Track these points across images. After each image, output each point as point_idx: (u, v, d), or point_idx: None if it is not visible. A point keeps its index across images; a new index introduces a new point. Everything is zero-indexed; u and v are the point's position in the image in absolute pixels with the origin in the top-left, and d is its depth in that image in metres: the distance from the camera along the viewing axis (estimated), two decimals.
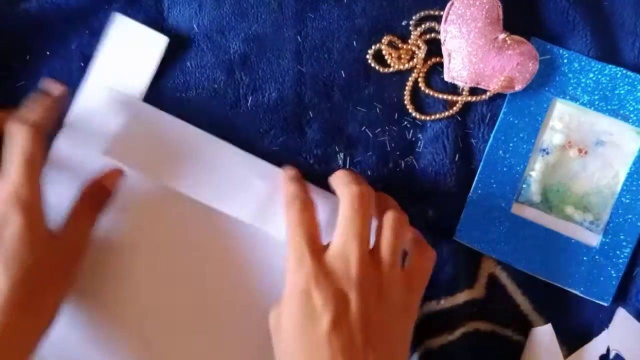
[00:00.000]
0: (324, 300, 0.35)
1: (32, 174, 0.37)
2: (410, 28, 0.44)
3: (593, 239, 0.45)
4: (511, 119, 0.44)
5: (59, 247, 0.39)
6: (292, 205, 0.39)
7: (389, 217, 0.39)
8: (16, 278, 0.36)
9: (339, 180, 0.40)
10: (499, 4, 0.43)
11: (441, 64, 0.44)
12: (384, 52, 0.44)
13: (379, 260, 0.38)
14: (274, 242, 0.43)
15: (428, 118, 0.45)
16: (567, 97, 0.44)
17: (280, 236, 0.41)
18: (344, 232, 0.37)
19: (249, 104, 0.45)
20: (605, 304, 0.45)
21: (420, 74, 0.45)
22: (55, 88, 0.42)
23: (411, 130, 0.45)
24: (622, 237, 0.44)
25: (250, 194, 0.42)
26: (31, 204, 0.37)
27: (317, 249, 0.37)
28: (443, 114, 0.45)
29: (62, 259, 0.39)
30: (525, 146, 0.44)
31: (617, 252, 0.44)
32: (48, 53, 0.45)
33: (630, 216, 0.44)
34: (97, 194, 0.42)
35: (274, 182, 0.43)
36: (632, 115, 0.44)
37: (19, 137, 0.38)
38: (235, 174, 0.43)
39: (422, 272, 0.40)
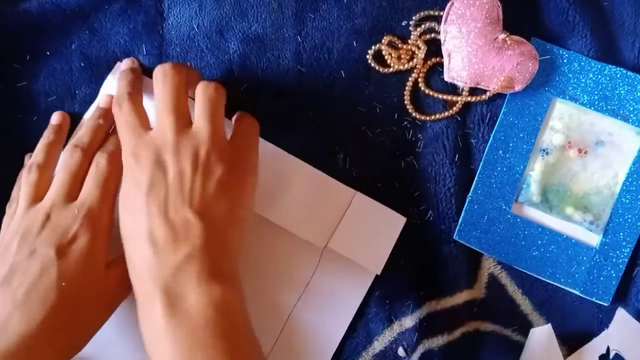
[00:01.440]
0: (141, 170, 0.37)
1: (108, 198, 0.40)
2: (410, 28, 0.44)
3: (593, 239, 0.45)
4: (511, 119, 0.44)
5: (113, 276, 0.39)
6: (121, 99, 0.40)
7: (201, 87, 0.39)
8: (66, 293, 0.37)
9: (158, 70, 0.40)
10: (499, 4, 0.43)
11: (441, 64, 0.44)
12: (384, 52, 0.44)
13: (194, 132, 0.38)
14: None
15: (428, 118, 0.45)
16: (567, 97, 0.44)
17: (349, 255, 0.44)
18: (159, 110, 0.38)
19: (249, 104, 0.45)
20: (605, 304, 0.45)
21: (420, 74, 0.45)
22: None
23: (411, 130, 0.45)
24: (622, 237, 0.44)
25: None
26: (104, 227, 0.39)
27: (137, 126, 0.38)
28: (443, 114, 0.45)
29: (112, 289, 0.39)
30: (525, 146, 0.44)
31: (617, 252, 0.44)
32: (48, 53, 0.45)
33: (630, 216, 0.44)
34: None
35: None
36: (632, 115, 0.44)
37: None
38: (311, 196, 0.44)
39: (245, 137, 0.40)
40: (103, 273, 0.39)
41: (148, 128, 0.38)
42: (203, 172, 0.37)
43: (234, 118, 0.42)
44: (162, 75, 0.38)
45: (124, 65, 0.44)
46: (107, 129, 0.42)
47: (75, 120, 0.45)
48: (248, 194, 0.39)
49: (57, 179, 0.40)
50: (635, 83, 0.44)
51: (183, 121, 0.38)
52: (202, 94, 0.39)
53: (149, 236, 0.36)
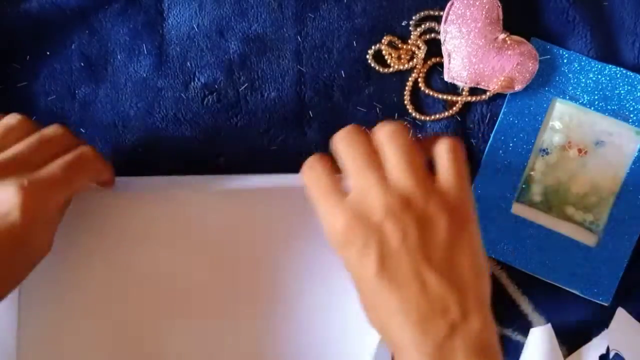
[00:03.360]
0: (362, 242, 0.33)
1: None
2: (410, 28, 0.44)
3: (593, 239, 0.45)
4: (511, 119, 0.44)
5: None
6: (306, 165, 0.36)
7: (383, 131, 0.35)
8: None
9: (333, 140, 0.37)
10: (499, 4, 0.43)
11: (441, 64, 0.44)
12: (384, 52, 0.44)
13: (399, 187, 0.33)
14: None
15: (428, 118, 0.45)
16: (567, 97, 0.44)
17: None
18: (351, 173, 0.35)
19: (248, 104, 0.45)
20: (605, 304, 0.45)
21: (420, 74, 0.45)
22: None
23: (411, 131, 0.45)
24: (622, 237, 0.44)
25: None
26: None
27: (338, 193, 0.35)
28: (443, 114, 0.45)
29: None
30: (525, 146, 0.44)
31: (617, 252, 0.44)
32: (48, 53, 0.45)
33: (629, 216, 0.44)
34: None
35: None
36: (632, 115, 0.44)
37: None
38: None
39: (453, 168, 0.34)
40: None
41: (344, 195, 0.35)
42: (423, 228, 0.33)
43: (432, 143, 0.36)
44: (345, 137, 0.35)
45: None
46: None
47: None
48: (478, 238, 0.35)
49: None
50: (635, 83, 0.44)
51: (382, 177, 0.34)
52: (389, 144, 0.34)
53: (399, 314, 0.33)
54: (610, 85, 0.44)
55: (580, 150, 0.45)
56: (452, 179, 0.34)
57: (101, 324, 0.44)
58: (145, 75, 0.45)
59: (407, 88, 0.45)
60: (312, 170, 0.36)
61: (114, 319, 0.44)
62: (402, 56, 0.44)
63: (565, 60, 0.44)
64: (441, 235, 0.33)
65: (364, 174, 0.34)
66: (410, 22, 0.44)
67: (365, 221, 0.33)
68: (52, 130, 0.38)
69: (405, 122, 0.36)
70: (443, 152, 0.35)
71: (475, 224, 0.35)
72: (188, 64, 0.45)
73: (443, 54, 0.44)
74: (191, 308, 0.44)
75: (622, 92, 0.44)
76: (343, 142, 0.35)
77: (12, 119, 0.38)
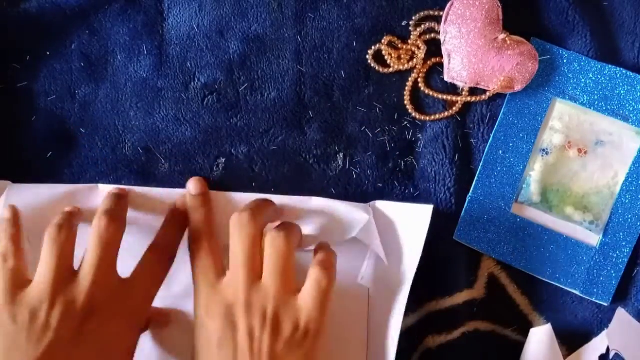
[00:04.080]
0: (212, 323, 0.37)
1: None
2: (410, 28, 0.44)
3: (593, 239, 0.45)
4: (511, 119, 0.44)
5: (129, 290, 0.39)
6: (197, 241, 0.41)
7: (269, 239, 0.39)
8: (86, 311, 0.37)
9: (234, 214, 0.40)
10: (499, 5, 0.43)
11: (441, 64, 0.44)
12: (384, 52, 0.44)
13: (265, 285, 0.38)
14: None
15: (428, 118, 0.45)
16: (567, 97, 0.44)
17: None
18: (233, 260, 0.39)
19: (248, 104, 0.45)
20: (605, 304, 0.45)
21: (420, 74, 0.45)
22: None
23: (411, 130, 0.45)
24: (622, 237, 0.44)
25: None
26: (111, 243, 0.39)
27: (213, 279, 0.39)
28: (443, 114, 0.45)
29: (132, 302, 0.39)
30: (525, 146, 0.44)
31: (617, 252, 0.44)
32: (48, 53, 0.45)
33: (630, 216, 0.44)
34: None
35: None
36: (631, 115, 0.44)
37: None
38: None
39: (313, 297, 0.38)
40: (119, 286, 0.39)
41: (222, 275, 0.39)
42: (271, 332, 0.37)
43: (313, 261, 0.40)
44: (239, 225, 0.39)
45: (194, 189, 0.43)
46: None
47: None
48: (317, 355, 0.38)
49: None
50: (635, 83, 0.44)
51: (254, 275, 0.38)
52: (271, 246, 0.38)
53: None
54: (610, 85, 0.44)
55: (580, 150, 0.45)
56: (313, 307, 0.38)
57: None
58: (145, 75, 0.45)
59: (407, 88, 0.45)
60: (199, 249, 0.40)
61: None
62: (402, 56, 0.44)
63: (565, 60, 0.44)
64: (280, 342, 0.37)
65: (240, 263, 0.38)
66: (410, 22, 0.44)
67: (223, 302, 0.38)
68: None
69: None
70: (312, 277, 0.38)
71: (319, 343, 0.38)
72: (188, 64, 0.45)
73: (443, 54, 0.44)
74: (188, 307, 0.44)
75: (622, 92, 0.44)
76: (235, 227, 0.39)
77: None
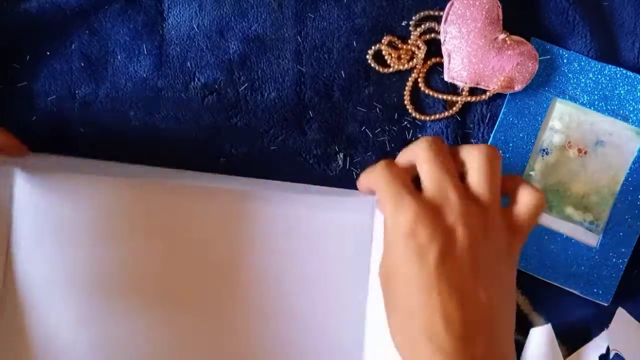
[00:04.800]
0: (429, 236, 0.33)
1: None
2: (410, 28, 0.44)
3: (593, 239, 0.45)
4: (511, 119, 0.44)
5: None
6: (380, 165, 0.37)
7: (480, 152, 0.36)
8: None
9: (406, 151, 0.37)
10: (499, 4, 0.43)
11: (441, 64, 0.44)
12: (384, 52, 0.44)
13: (477, 197, 0.35)
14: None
15: (428, 118, 0.45)
16: (567, 97, 0.44)
17: None
18: (431, 174, 0.35)
19: (248, 104, 0.45)
20: (605, 304, 0.45)
21: (420, 74, 0.45)
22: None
23: (411, 130, 0.45)
24: (622, 237, 0.44)
25: None
26: None
27: (413, 190, 0.35)
28: (443, 114, 0.45)
29: None
30: (525, 146, 0.44)
31: (617, 252, 0.44)
32: (48, 53, 0.45)
33: (629, 216, 0.44)
34: None
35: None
36: (631, 115, 0.44)
37: None
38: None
39: (526, 213, 0.36)
40: None
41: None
42: (490, 243, 0.34)
43: (516, 184, 0.37)
44: (421, 146, 0.36)
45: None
46: None
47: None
48: (514, 274, 0.37)
49: None
50: (635, 83, 0.44)
51: (460, 185, 0.35)
52: (478, 158, 0.35)
53: (445, 319, 0.32)
54: (610, 85, 0.44)
55: (580, 150, 0.45)
56: (525, 215, 0.36)
57: (91, 318, 0.44)
58: (145, 75, 0.45)
59: (407, 88, 0.45)
60: (387, 167, 0.36)
61: (103, 315, 0.44)
62: (402, 56, 0.44)
63: (565, 60, 0.44)
64: (500, 250, 0.35)
65: (442, 176, 0.35)
66: (410, 22, 0.44)
67: (437, 218, 0.34)
68: None
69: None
70: (525, 195, 0.36)
71: (517, 263, 0.37)
72: (188, 64, 0.45)
73: (443, 54, 0.44)
74: (185, 306, 0.44)
75: (622, 92, 0.44)
76: (423, 144, 0.36)
77: None
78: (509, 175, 0.38)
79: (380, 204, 0.36)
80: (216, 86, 0.45)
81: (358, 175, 0.45)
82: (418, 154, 0.36)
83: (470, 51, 0.43)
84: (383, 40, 0.44)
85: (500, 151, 0.41)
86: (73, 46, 0.45)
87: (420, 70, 0.45)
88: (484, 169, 0.35)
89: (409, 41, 0.44)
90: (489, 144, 0.37)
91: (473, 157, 0.36)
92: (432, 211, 0.34)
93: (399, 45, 0.45)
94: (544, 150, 0.45)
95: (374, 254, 0.44)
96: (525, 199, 0.36)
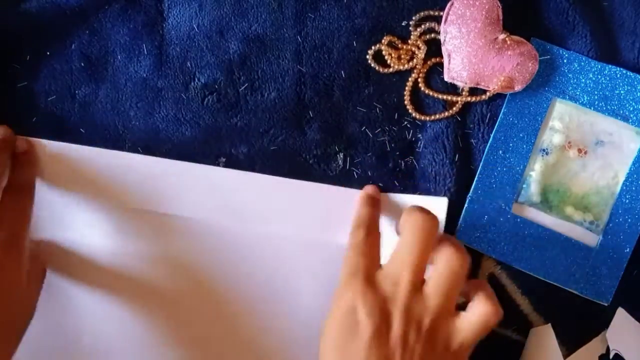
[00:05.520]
0: (367, 315, 0.36)
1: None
2: (410, 28, 0.44)
3: (593, 239, 0.45)
4: (511, 119, 0.44)
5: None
6: (357, 230, 0.40)
7: (447, 255, 0.38)
8: None
9: (409, 209, 0.39)
10: (499, 5, 0.43)
11: (441, 64, 0.44)
12: (384, 52, 0.44)
13: (427, 297, 0.37)
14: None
15: (428, 118, 0.45)
16: (567, 97, 0.44)
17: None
18: (400, 257, 0.37)
19: (248, 104, 0.45)
20: (605, 304, 0.45)
21: (420, 74, 0.45)
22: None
23: (411, 130, 0.45)
24: (622, 237, 0.44)
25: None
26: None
27: (369, 268, 0.38)
28: (443, 114, 0.45)
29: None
30: (525, 146, 0.44)
31: (617, 252, 0.44)
32: (48, 53, 0.45)
33: (629, 216, 0.44)
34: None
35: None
36: (631, 115, 0.44)
37: None
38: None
39: (475, 322, 0.37)
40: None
41: (378, 267, 0.38)
42: (425, 344, 0.36)
43: (477, 291, 0.39)
44: (415, 220, 0.38)
45: (370, 190, 0.44)
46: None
47: None
48: None
49: None
50: (635, 83, 0.44)
51: (418, 281, 0.37)
52: (446, 263, 0.37)
53: None
54: (610, 85, 0.44)
55: (580, 150, 0.45)
56: (473, 325, 0.37)
57: (96, 320, 0.44)
58: (145, 75, 0.45)
59: (407, 88, 0.45)
60: (363, 240, 0.39)
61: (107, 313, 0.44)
62: (402, 56, 0.44)
63: (565, 60, 0.44)
64: (437, 354, 0.36)
65: (407, 266, 0.37)
66: (410, 22, 0.44)
67: (380, 296, 0.36)
68: None
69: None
70: (479, 307, 0.37)
71: None
72: (188, 64, 0.45)
73: (443, 54, 0.44)
74: (186, 307, 0.44)
75: (622, 92, 0.44)
76: (419, 223, 0.38)
77: None
78: (476, 281, 0.40)
79: (341, 268, 0.39)
80: (216, 86, 0.45)
81: (358, 175, 0.45)
82: (407, 227, 0.38)
83: (470, 51, 0.43)
84: (383, 40, 0.44)
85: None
86: (73, 46, 0.45)
87: (420, 70, 0.45)
88: (445, 277, 0.37)
89: (409, 41, 0.44)
90: (461, 248, 0.38)
91: (441, 260, 0.38)
92: (376, 293, 0.36)
93: (399, 46, 0.45)
94: (544, 150, 0.45)
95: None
96: (478, 310, 0.38)
